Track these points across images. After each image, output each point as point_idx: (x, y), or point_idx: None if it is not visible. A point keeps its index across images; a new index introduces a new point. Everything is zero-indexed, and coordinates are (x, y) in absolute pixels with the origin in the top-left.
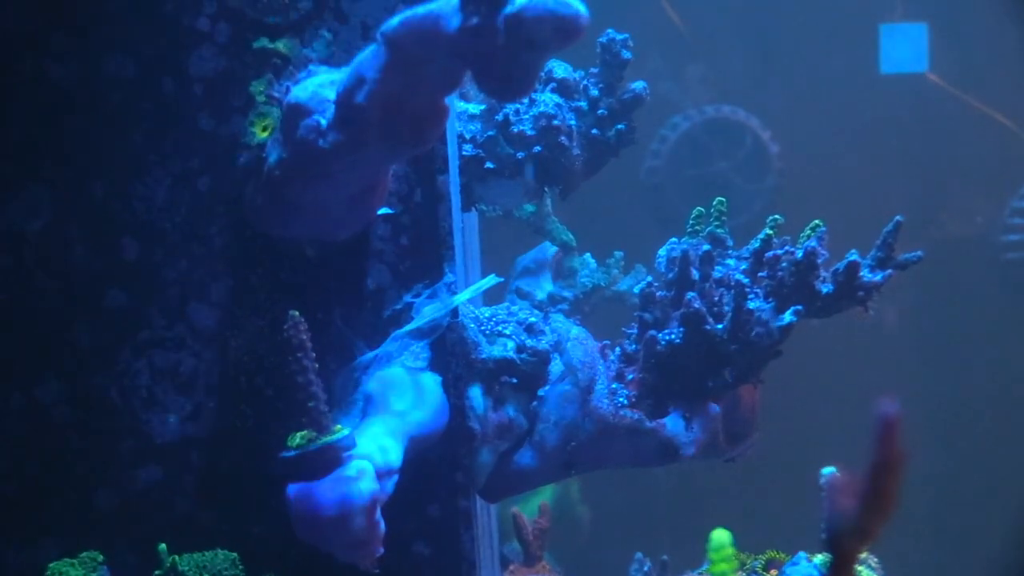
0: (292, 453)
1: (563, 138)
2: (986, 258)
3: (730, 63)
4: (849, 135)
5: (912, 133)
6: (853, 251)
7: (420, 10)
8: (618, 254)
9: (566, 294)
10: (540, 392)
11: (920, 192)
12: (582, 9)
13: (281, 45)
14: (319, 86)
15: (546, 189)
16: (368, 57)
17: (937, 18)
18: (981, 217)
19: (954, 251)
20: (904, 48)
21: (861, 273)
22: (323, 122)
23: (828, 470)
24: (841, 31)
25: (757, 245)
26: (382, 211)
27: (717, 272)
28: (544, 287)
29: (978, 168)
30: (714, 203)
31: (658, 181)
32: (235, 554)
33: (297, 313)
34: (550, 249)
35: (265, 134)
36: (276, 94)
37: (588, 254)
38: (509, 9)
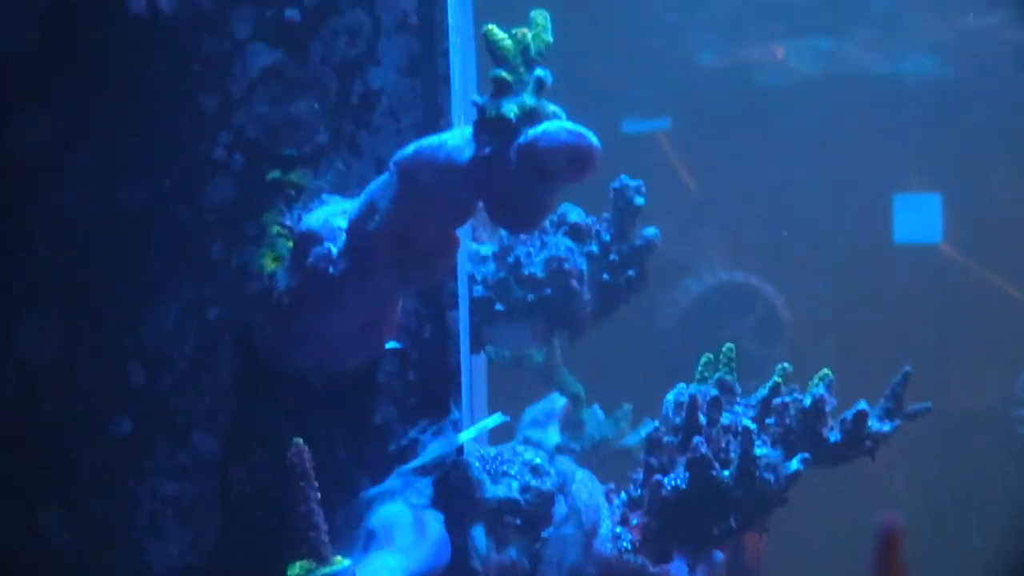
0: None
1: (574, 282)
2: (998, 431)
3: (743, 228)
4: (861, 304)
5: (925, 303)
6: (862, 400)
7: (433, 140)
8: (627, 407)
9: (574, 446)
10: (543, 534)
11: (932, 363)
12: (595, 141)
13: (295, 176)
14: (331, 214)
15: (555, 334)
16: (381, 186)
17: (951, 188)
18: (993, 389)
19: (966, 423)
20: (918, 218)
21: (869, 422)
22: (334, 250)
23: None
24: (855, 200)
25: (765, 393)
26: (390, 345)
27: (725, 419)
28: (552, 438)
29: (990, 340)
30: (723, 349)
31: (668, 343)
32: None
33: (301, 441)
34: (559, 401)
35: (275, 265)
36: (288, 222)
37: (596, 405)
38: (522, 139)
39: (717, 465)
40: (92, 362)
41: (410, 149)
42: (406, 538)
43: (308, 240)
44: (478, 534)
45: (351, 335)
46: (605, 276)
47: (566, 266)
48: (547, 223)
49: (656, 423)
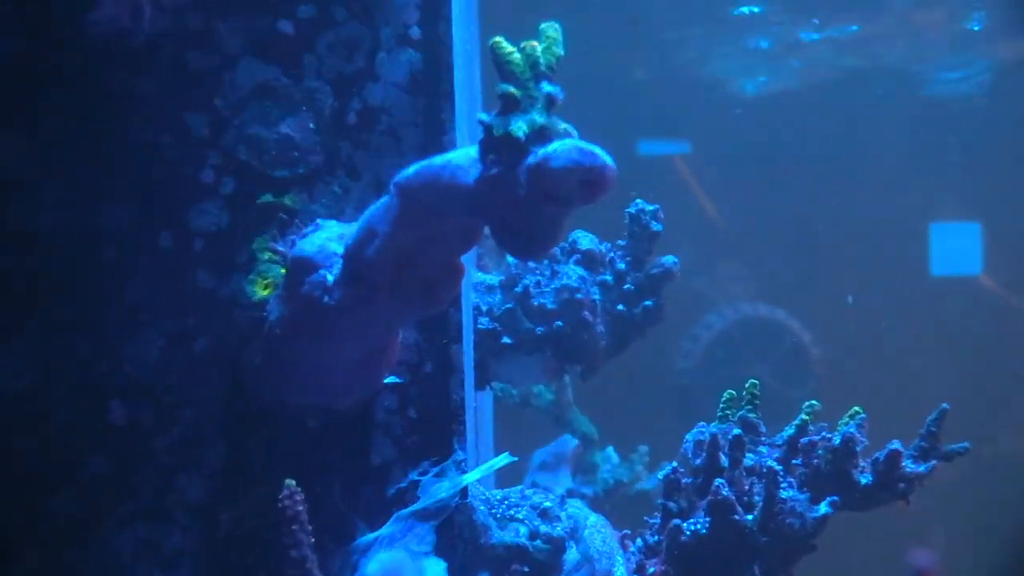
0: None
1: (586, 313)
2: None
3: (768, 260)
4: (895, 340)
5: (965, 340)
6: (895, 440)
7: (437, 160)
8: (643, 448)
9: (586, 491)
10: None
11: (972, 404)
12: (609, 161)
13: (288, 199)
14: (327, 240)
15: (567, 369)
16: (380, 209)
17: (991, 216)
18: None
19: (1008, 468)
20: (956, 249)
21: (903, 463)
22: (329, 278)
23: None
24: (890, 229)
25: (792, 431)
26: (389, 380)
27: (748, 460)
28: (562, 483)
29: None
30: (747, 386)
31: (688, 383)
32: None
33: (294, 483)
34: (570, 443)
35: (266, 292)
36: (281, 248)
37: (611, 448)
38: (531, 159)
39: (740, 509)
40: (68, 396)
41: (412, 170)
42: None
43: (302, 267)
44: None
45: (347, 369)
46: (620, 307)
47: (578, 296)
48: (557, 250)
49: (674, 464)
